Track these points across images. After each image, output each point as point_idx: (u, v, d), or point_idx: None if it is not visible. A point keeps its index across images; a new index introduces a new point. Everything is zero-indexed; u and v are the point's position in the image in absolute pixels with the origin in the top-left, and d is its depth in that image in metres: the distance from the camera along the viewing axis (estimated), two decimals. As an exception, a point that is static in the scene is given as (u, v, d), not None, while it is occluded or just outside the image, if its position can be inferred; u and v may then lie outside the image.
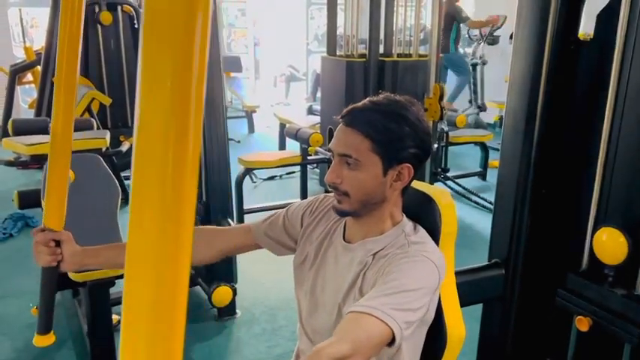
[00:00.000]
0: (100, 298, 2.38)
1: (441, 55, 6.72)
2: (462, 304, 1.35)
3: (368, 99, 1.18)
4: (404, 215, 1.24)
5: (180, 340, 0.46)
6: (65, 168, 1.24)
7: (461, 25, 6.97)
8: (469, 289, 1.69)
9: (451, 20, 6.85)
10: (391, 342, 1.02)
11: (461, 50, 7.40)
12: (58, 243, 1.25)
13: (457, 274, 1.37)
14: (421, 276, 1.09)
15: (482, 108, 6.84)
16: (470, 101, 7.02)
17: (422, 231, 1.23)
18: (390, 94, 1.20)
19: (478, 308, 1.96)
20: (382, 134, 1.12)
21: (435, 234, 1.24)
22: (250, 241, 1.37)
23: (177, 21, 0.41)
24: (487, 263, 1.87)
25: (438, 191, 1.31)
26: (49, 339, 1.35)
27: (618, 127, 1.55)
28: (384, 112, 1.14)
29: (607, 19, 1.63)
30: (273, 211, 1.40)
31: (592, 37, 1.72)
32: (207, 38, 0.42)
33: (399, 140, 1.14)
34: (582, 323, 1.59)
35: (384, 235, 1.20)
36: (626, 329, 1.50)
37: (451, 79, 7.17)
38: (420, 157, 1.18)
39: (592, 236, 1.59)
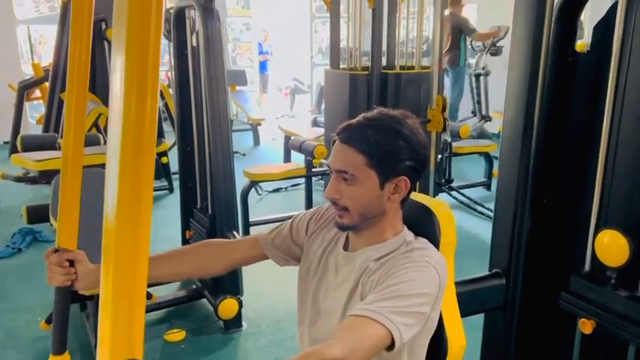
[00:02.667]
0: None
1: (446, 67, 6.79)
2: (463, 314, 1.36)
3: (362, 115, 1.21)
4: (404, 226, 1.27)
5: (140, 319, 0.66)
6: (77, 188, 1.23)
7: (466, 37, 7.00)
8: (470, 299, 1.71)
9: (459, 33, 6.88)
10: (391, 345, 1.04)
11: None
12: (71, 262, 1.24)
13: (457, 284, 1.38)
14: (423, 282, 1.11)
15: (487, 118, 6.85)
16: (473, 112, 7.03)
17: (422, 239, 1.25)
18: (384, 109, 1.23)
19: (480, 318, 1.98)
20: (376, 149, 1.15)
21: (434, 245, 1.26)
22: (258, 252, 1.40)
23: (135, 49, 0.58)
24: (488, 273, 1.88)
25: (436, 203, 1.33)
26: (64, 359, 1.32)
27: (617, 131, 1.57)
28: (377, 127, 1.17)
29: (603, 31, 1.66)
30: (280, 223, 1.43)
31: (589, 48, 1.75)
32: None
33: (393, 154, 1.16)
34: (586, 326, 1.60)
35: (385, 243, 1.23)
36: (629, 330, 1.51)
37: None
38: (417, 169, 1.20)
39: (594, 239, 1.59)
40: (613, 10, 1.59)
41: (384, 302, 1.06)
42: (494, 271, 1.87)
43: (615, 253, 1.52)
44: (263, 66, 10.99)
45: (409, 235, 1.25)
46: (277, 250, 1.39)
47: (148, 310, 3.02)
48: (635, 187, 1.54)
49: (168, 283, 3.04)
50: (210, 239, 1.45)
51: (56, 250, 1.23)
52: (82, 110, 1.21)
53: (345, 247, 1.28)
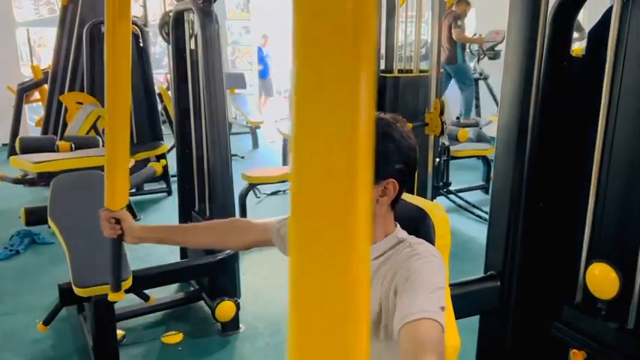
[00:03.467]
0: (105, 314, 2.41)
1: (447, 65, 6.78)
2: (458, 316, 1.37)
3: None
4: (397, 225, 1.27)
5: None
6: (125, 153, 1.45)
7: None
8: (465, 301, 1.72)
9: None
10: None
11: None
12: (118, 220, 1.48)
13: (453, 286, 1.39)
14: (439, 276, 1.13)
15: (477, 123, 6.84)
16: (457, 118, 7.03)
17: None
18: (375, 112, 1.24)
19: (476, 320, 1.98)
20: None
21: (429, 247, 1.27)
22: (267, 237, 1.45)
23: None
24: (483, 275, 1.89)
25: (431, 205, 1.34)
26: (120, 295, 1.66)
27: (609, 155, 1.58)
28: None
29: (598, 35, 1.67)
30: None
31: (584, 53, 1.76)
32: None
33: (382, 157, 1.16)
34: (577, 357, 1.62)
35: (378, 244, 1.23)
36: None
37: (450, 91, 7.20)
38: (406, 173, 1.21)
39: (585, 270, 1.61)
40: (608, 14, 1.60)
41: (428, 296, 1.05)
42: (489, 273, 1.88)
43: (605, 286, 1.54)
44: (264, 72, 10.97)
45: (401, 232, 1.25)
46: (282, 242, 1.40)
47: (146, 312, 3.03)
48: (625, 220, 1.57)
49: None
50: (235, 218, 1.62)
51: (105, 210, 1.48)
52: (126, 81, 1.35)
53: None
